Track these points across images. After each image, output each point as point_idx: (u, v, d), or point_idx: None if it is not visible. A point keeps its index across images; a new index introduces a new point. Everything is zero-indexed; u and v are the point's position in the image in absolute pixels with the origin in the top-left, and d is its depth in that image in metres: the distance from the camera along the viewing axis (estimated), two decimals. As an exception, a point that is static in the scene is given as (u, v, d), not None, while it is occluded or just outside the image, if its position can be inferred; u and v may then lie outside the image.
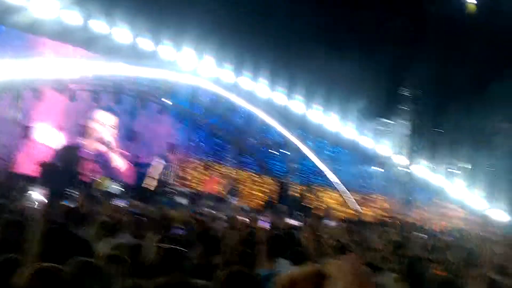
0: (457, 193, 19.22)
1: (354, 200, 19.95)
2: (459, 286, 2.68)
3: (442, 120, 18.59)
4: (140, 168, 15.42)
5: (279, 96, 17.93)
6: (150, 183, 14.70)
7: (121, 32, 14.29)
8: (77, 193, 9.31)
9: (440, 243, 6.22)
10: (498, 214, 18.03)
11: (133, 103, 15.84)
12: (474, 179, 18.83)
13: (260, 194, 18.94)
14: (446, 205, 19.62)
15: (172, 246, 3.15)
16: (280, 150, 19.27)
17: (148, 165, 15.29)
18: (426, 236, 9.76)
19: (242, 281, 2.32)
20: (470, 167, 18.95)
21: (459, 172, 19.29)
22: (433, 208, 19.39)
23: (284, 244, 3.36)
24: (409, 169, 18.79)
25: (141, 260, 3.36)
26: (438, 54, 16.68)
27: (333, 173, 19.76)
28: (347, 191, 19.87)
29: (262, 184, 19.45)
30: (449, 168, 19.39)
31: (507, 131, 17.14)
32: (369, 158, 19.93)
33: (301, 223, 6.49)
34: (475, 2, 16.57)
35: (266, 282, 2.64)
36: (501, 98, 15.73)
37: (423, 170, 19.24)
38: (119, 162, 16.02)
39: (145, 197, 12.19)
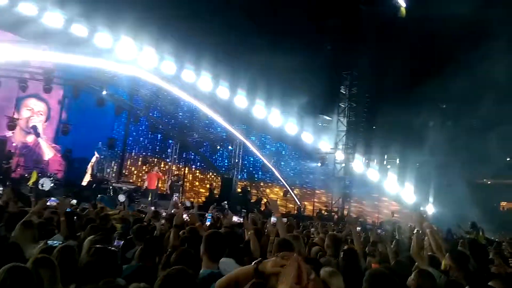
0: (390, 188, 20.36)
1: (295, 195, 20.43)
2: (390, 278, 2.78)
3: (376, 118, 19.58)
4: (73, 163, 14.57)
5: (222, 90, 17.77)
6: (87, 179, 13.95)
7: (52, 16, 13.25)
8: (1, 190, 8.57)
9: (374, 235, 6.51)
10: (426, 206, 19.40)
11: (65, 93, 14.89)
12: (405, 174, 20.06)
13: (203, 190, 18.76)
14: (381, 199, 20.75)
15: (106, 246, 2.95)
16: (224, 145, 19.18)
17: (82, 159, 14.49)
18: (362, 229, 10.23)
19: (181, 282, 2.23)
20: (400, 162, 20.17)
21: (391, 167, 20.46)
22: (369, 201, 20.41)
23: (226, 242, 3.30)
24: (346, 164, 19.57)
25: (73, 262, 3.15)
26: (374, 55, 17.52)
27: (276, 168, 20.07)
28: (289, 186, 20.29)
29: (205, 180, 19.28)
30: (383, 164, 20.49)
31: (435, 129, 18.48)
32: (309, 153, 20.46)
33: (244, 219, 6.49)
34: (405, 6, 17.62)
35: (208, 283, 2.57)
36: (427, 99, 16.90)
37: (360, 165, 20.16)
38: (50, 156, 15.03)
39: (80, 194, 11.53)
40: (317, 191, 21.08)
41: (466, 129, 17.62)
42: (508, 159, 19.83)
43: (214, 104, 17.91)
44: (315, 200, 20.88)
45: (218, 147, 18.99)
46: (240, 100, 18.11)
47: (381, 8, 17.54)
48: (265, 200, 18.69)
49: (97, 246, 2.91)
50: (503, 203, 21.96)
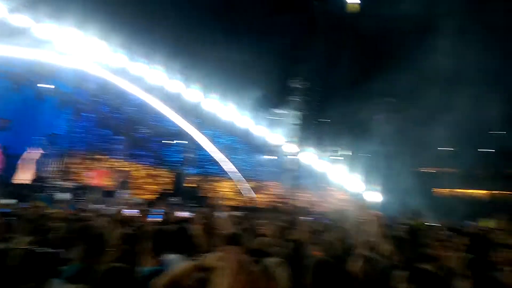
0: (339, 178, 21.03)
1: (249, 188, 20.54)
2: (334, 265, 2.87)
3: (326, 111, 20.15)
4: (11, 160, 13.65)
5: (173, 83, 17.41)
6: (24, 178, 13.15)
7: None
8: None
9: (320, 225, 6.68)
10: (374, 195, 20.24)
11: (4, 87, 13.91)
12: (354, 165, 20.81)
13: (154, 187, 18.33)
14: (330, 189, 21.36)
15: (36, 248, 2.80)
16: (175, 140, 18.86)
17: (20, 156, 13.63)
18: (310, 219, 10.46)
19: (118, 279, 2.16)
20: (350, 154, 20.89)
21: (341, 158, 21.14)
22: (319, 192, 20.94)
23: (172, 238, 3.24)
24: (298, 156, 19.96)
25: (4, 266, 2.95)
26: (326, 50, 17.94)
27: (229, 162, 20.06)
28: (243, 179, 20.36)
29: (156, 176, 18.85)
30: (333, 155, 21.11)
31: (381, 121, 19.32)
32: (262, 146, 20.65)
33: (194, 214, 6.42)
34: (358, 2, 18.19)
35: (148, 280, 2.51)
36: (376, 92, 17.61)
37: (310, 157, 20.63)
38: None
39: (18, 194, 10.84)
40: (269, 184, 21.33)
41: (411, 121, 18.58)
42: (448, 148, 21.14)
43: (166, 98, 17.55)
44: (267, 192, 21.12)
45: (170, 142, 18.65)
46: (193, 94, 17.87)
47: (334, 3, 17.99)
48: (216, 194, 18.64)
49: (25, 248, 2.76)
50: (442, 190, 23.46)
